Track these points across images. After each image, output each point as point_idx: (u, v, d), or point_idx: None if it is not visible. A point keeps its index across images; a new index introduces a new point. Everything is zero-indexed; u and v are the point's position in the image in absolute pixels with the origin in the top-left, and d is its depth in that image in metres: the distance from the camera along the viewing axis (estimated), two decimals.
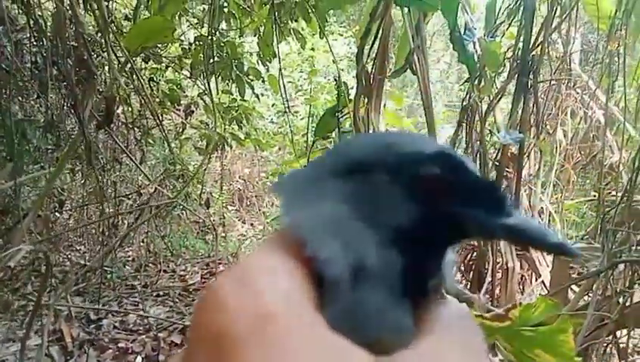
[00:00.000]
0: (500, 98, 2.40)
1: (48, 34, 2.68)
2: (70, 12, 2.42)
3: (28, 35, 2.79)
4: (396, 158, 0.24)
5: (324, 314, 0.21)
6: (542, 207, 2.83)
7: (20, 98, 2.82)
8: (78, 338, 2.50)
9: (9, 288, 2.89)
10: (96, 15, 2.38)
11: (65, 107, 3.15)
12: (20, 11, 2.67)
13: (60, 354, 2.36)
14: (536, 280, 2.30)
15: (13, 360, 2.19)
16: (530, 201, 2.65)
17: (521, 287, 2.39)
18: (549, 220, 2.87)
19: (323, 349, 0.19)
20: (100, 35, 2.55)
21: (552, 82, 2.84)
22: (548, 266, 2.16)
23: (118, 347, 2.55)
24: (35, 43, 2.85)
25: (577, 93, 3.13)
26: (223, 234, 4.71)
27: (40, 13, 2.67)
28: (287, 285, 0.20)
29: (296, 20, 2.81)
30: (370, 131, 2.41)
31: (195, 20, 3.10)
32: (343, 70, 4.61)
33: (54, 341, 2.39)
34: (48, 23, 2.72)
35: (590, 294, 1.41)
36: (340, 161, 0.25)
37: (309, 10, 2.52)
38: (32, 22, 2.73)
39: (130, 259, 4.18)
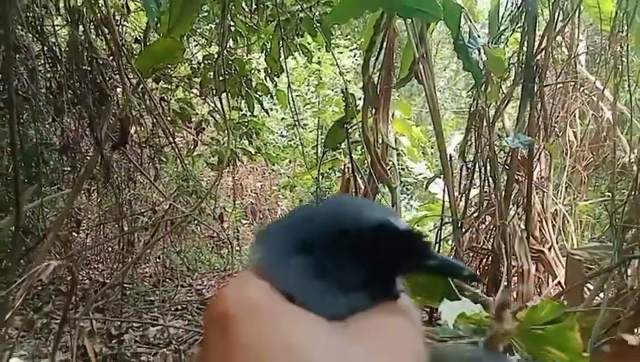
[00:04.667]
0: (507, 103, 2.42)
1: (63, 60, 2.77)
2: (84, 38, 2.50)
3: (42, 62, 2.88)
4: (345, 233, 0.32)
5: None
6: (555, 210, 2.81)
7: (36, 122, 2.90)
8: (101, 353, 2.54)
9: (31, 307, 2.95)
10: (107, 39, 2.45)
11: (80, 129, 3.23)
12: (35, 39, 2.76)
13: None
14: (553, 281, 2.29)
15: None
16: (543, 204, 2.64)
17: (538, 289, 2.38)
18: (563, 222, 2.86)
19: (286, 315, 0.29)
20: (112, 58, 2.62)
21: (559, 85, 2.84)
22: (564, 267, 2.15)
23: (141, 361, 2.59)
24: (49, 69, 2.94)
25: (585, 94, 3.12)
26: (238, 248, 4.75)
27: (54, 41, 2.76)
28: (264, 288, 0.30)
29: (302, 35, 2.87)
30: (379, 140, 2.44)
31: (203, 40, 3.17)
32: (350, 82, 4.66)
33: (79, 356, 2.43)
34: (62, 49, 2.82)
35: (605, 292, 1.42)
36: (300, 238, 0.32)
37: (315, 25, 2.58)
38: (46, 49, 2.82)
39: (147, 275, 4.23)
